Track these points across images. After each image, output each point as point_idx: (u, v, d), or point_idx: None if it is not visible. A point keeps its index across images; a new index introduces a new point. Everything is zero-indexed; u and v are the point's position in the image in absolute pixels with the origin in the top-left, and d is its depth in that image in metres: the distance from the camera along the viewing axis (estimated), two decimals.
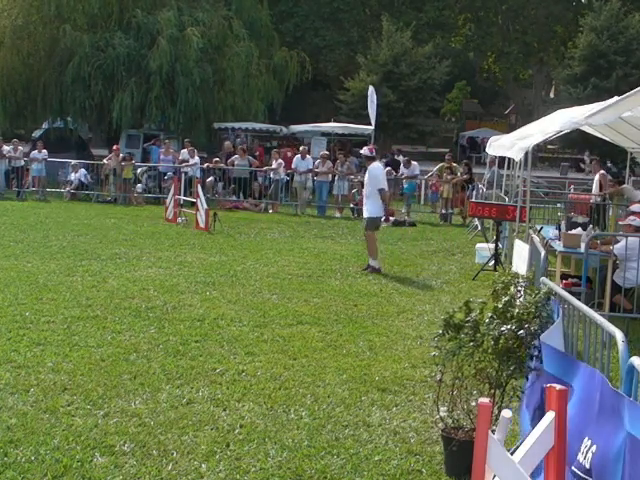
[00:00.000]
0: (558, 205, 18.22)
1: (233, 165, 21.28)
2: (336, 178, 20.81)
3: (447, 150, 35.07)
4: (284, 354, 6.89)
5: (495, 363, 4.54)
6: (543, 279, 5.30)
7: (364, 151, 12.20)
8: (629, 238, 8.46)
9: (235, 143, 24.98)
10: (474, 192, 18.11)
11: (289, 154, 23.02)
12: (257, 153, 24.11)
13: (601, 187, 17.86)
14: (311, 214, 19.83)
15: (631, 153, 15.86)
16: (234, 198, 21.09)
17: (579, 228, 10.38)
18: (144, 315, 8.08)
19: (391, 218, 16.33)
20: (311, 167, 20.73)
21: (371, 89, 25.41)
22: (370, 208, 11.61)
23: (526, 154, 10.65)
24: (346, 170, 20.97)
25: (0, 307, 8.15)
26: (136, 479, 4.38)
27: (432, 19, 40.83)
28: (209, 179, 21.43)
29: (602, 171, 18.62)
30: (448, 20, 42.44)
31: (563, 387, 3.05)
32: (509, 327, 4.50)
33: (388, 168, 21.59)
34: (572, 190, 21.44)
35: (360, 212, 14.89)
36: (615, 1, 34.55)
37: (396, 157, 26.20)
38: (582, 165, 35.01)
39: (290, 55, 30.65)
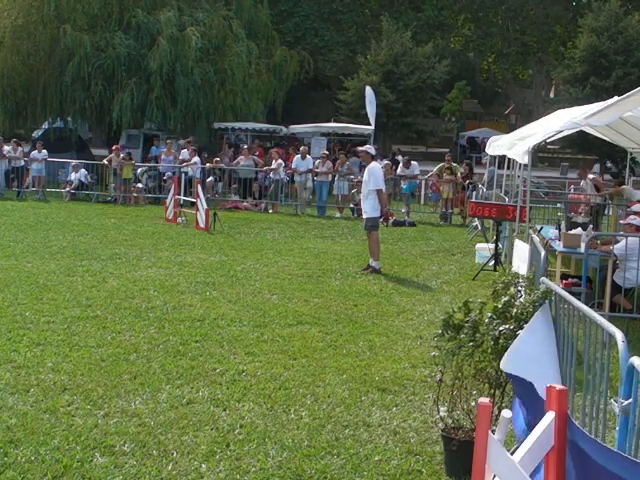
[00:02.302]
0: (558, 205, 18.23)
1: (238, 165, 21.37)
2: (336, 178, 20.81)
3: (447, 150, 35.10)
4: (284, 354, 6.89)
5: (495, 363, 4.53)
6: (543, 279, 5.30)
7: (370, 149, 12.08)
8: (629, 238, 8.46)
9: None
10: (474, 192, 18.12)
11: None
12: (257, 153, 24.09)
13: (598, 189, 17.93)
14: (311, 214, 19.83)
15: (631, 153, 15.88)
16: (236, 198, 21.10)
17: (579, 228, 10.39)
18: (144, 315, 8.08)
19: (390, 219, 16.34)
20: (311, 167, 20.74)
21: (368, 89, 25.37)
22: (367, 208, 11.59)
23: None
24: (346, 170, 20.97)
25: (0, 307, 8.15)
26: (136, 479, 4.38)
27: (431, 19, 40.82)
28: (209, 179, 21.44)
29: (592, 175, 18.69)
30: (447, 20, 42.42)
31: (563, 387, 3.05)
32: (508, 327, 4.50)
33: (387, 162, 21.57)
34: (572, 190, 21.46)
35: (359, 212, 14.89)
36: (614, 1, 34.53)
37: (397, 157, 26.18)
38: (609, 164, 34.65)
39: (290, 54, 30.65)
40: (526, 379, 3.67)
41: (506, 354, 4.19)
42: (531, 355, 4.22)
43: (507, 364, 4.09)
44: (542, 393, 3.26)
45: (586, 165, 20.46)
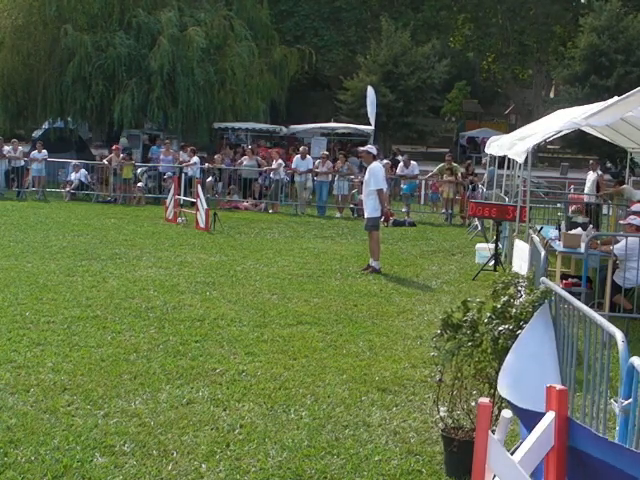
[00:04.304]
0: (558, 205, 18.23)
1: (241, 165, 21.40)
2: (336, 178, 20.80)
3: (447, 150, 35.10)
4: (284, 354, 6.89)
5: (495, 363, 4.53)
6: (543, 279, 5.30)
7: (371, 149, 12.07)
8: (629, 238, 8.46)
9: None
10: (474, 192, 18.13)
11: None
12: (262, 154, 23.99)
13: (598, 188, 17.94)
14: (311, 214, 19.82)
15: (631, 153, 15.88)
16: (236, 198, 21.09)
17: (579, 228, 10.39)
18: (144, 315, 8.08)
19: (391, 219, 16.30)
20: (311, 167, 20.74)
21: (370, 89, 25.38)
22: (368, 208, 11.61)
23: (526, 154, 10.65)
24: (346, 170, 20.97)
25: (0, 307, 8.15)
26: (136, 479, 4.38)
27: (430, 19, 40.83)
28: (209, 179, 21.44)
29: (599, 172, 18.72)
30: (446, 21, 42.43)
31: (563, 387, 3.05)
32: (507, 327, 4.50)
33: (386, 161, 21.58)
34: (572, 190, 21.48)
35: (360, 212, 14.90)
36: (615, 1, 34.56)
37: (397, 157, 26.18)
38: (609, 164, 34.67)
39: (290, 51, 30.63)
40: (518, 405, 3.64)
41: (501, 371, 4.12)
42: (524, 368, 4.16)
43: (502, 386, 4.00)
44: (538, 408, 3.25)
45: (597, 162, 20.71)
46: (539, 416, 3.01)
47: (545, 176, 29.89)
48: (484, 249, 12.67)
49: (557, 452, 2.95)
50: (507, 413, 3.05)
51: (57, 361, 6.39)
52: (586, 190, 18.32)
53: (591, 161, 21.19)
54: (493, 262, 11.59)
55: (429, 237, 16.20)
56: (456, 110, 53.05)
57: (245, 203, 20.79)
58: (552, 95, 47.35)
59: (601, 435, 2.96)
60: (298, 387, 6.01)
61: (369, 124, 25.71)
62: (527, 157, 10.34)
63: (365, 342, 7.42)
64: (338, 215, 19.76)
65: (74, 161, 22.64)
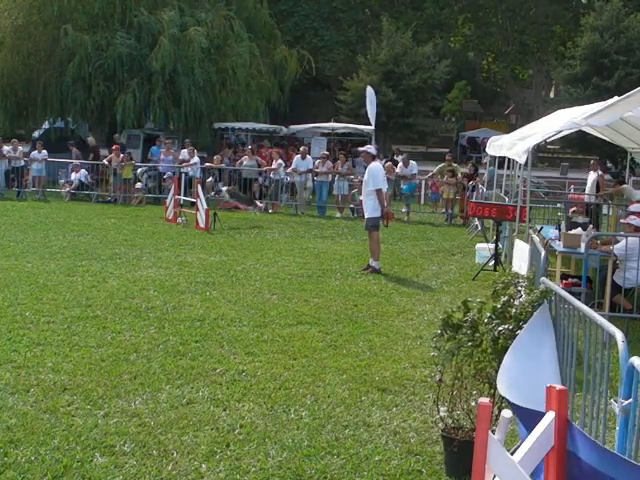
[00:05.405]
0: (558, 205, 18.23)
1: (241, 165, 21.39)
2: (336, 178, 20.80)
3: (447, 150, 35.09)
4: (284, 354, 6.89)
5: (494, 363, 4.53)
6: (543, 279, 5.30)
7: (370, 149, 12.10)
8: (629, 238, 8.46)
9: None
10: (474, 192, 18.12)
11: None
12: (265, 154, 23.93)
13: (598, 188, 17.93)
14: (311, 214, 19.82)
15: (631, 153, 15.88)
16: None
17: (579, 228, 10.39)
18: (144, 315, 8.09)
19: (392, 219, 16.19)
20: (311, 167, 20.73)
21: (369, 89, 25.38)
22: (368, 208, 11.62)
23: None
24: (346, 170, 20.97)
25: (0, 307, 8.15)
26: (136, 479, 4.38)
27: (431, 17, 40.81)
28: (209, 179, 21.43)
29: (600, 172, 18.71)
30: (447, 20, 42.43)
31: (563, 387, 3.04)
32: (507, 327, 4.50)
33: (389, 163, 21.57)
34: (572, 190, 21.48)
35: (360, 212, 14.87)
36: (616, 1, 34.55)
37: (395, 157, 26.17)
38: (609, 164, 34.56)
39: (290, 53, 30.64)
40: (518, 404, 3.64)
41: (500, 370, 4.13)
42: (524, 367, 4.16)
43: (501, 386, 4.03)
44: (537, 407, 3.25)
45: (597, 162, 20.67)
46: (539, 416, 3.01)
47: (545, 176, 29.87)
48: (484, 249, 12.67)
49: (557, 452, 2.95)
50: (507, 413, 3.05)
51: (57, 361, 6.40)
52: (587, 190, 18.33)
53: (592, 161, 21.18)
54: (493, 262, 11.59)
55: (429, 237, 16.20)
56: (456, 110, 53.07)
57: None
58: (552, 95, 47.35)
59: (599, 443, 2.96)
60: (298, 387, 6.02)
61: (369, 124, 25.71)
62: (527, 157, 10.33)
63: (365, 342, 7.43)
64: (338, 215, 19.76)
65: (74, 161, 22.64)
